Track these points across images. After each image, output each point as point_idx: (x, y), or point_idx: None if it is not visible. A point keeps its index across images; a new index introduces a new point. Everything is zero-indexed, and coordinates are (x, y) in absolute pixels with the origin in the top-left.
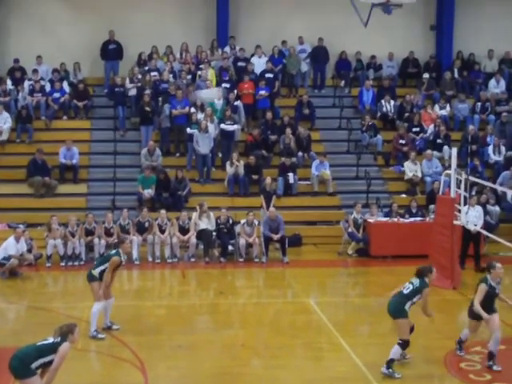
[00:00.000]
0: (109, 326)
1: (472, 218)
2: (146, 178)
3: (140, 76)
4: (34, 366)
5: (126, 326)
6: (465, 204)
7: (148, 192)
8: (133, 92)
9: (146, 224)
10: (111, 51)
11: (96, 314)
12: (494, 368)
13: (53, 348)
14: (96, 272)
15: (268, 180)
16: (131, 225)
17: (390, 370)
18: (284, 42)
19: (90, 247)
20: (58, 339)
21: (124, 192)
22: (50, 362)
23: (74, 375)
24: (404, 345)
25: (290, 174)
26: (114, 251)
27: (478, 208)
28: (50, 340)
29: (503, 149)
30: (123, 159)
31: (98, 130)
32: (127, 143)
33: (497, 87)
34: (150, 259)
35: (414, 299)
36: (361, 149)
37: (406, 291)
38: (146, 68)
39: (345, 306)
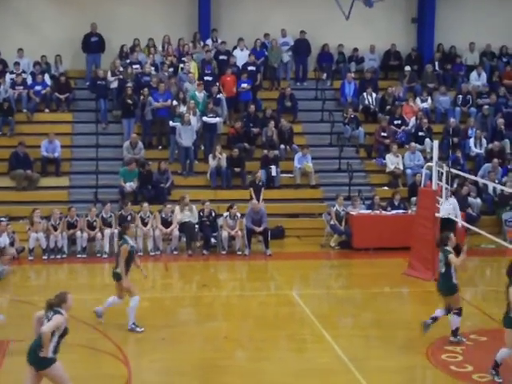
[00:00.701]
0: (98, 313)
1: (446, 210)
2: (129, 171)
3: (122, 69)
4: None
5: (108, 319)
6: (446, 197)
7: (130, 185)
8: (114, 85)
9: (129, 217)
10: (93, 44)
11: (134, 308)
12: (495, 379)
13: None
14: (119, 270)
15: (258, 173)
16: (113, 218)
17: (459, 337)
18: (266, 35)
19: (72, 240)
20: (51, 314)
21: (106, 185)
22: (62, 337)
23: None
24: (459, 313)
25: (273, 167)
26: (120, 241)
27: (453, 200)
28: (46, 322)
29: (484, 141)
30: (105, 152)
31: (80, 123)
32: (109, 136)
33: (478, 80)
34: None
35: (452, 270)
36: (343, 141)
37: (442, 270)
38: (128, 61)
39: (327, 298)
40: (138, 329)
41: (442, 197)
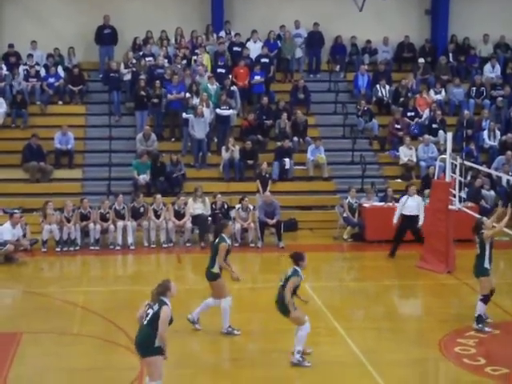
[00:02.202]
0: (194, 320)
1: (410, 207)
2: (141, 163)
3: (135, 61)
4: (157, 342)
5: (121, 311)
6: (460, 189)
7: (143, 177)
8: (128, 77)
9: (141, 209)
10: (106, 36)
11: (227, 309)
12: None
13: (158, 317)
14: (216, 269)
15: (264, 165)
16: (126, 210)
17: (481, 325)
18: (281, 27)
19: (85, 232)
20: (156, 307)
21: (119, 177)
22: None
23: (69, 360)
24: (485, 299)
25: (286, 159)
26: (217, 239)
27: (418, 198)
28: (151, 311)
29: (498, 133)
30: (118, 144)
31: (93, 115)
32: (122, 128)
33: (492, 72)
34: (146, 244)
35: (486, 253)
36: (356, 133)
37: (478, 250)
38: (141, 53)
39: (340, 290)
40: (235, 331)
41: (455, 189)
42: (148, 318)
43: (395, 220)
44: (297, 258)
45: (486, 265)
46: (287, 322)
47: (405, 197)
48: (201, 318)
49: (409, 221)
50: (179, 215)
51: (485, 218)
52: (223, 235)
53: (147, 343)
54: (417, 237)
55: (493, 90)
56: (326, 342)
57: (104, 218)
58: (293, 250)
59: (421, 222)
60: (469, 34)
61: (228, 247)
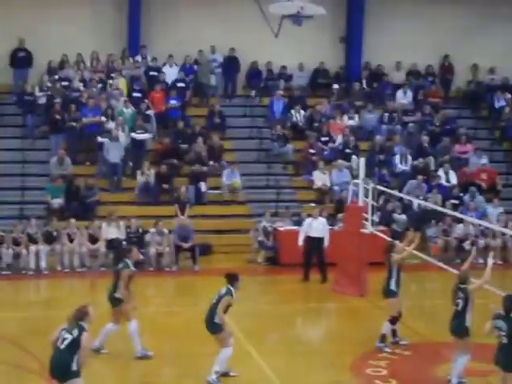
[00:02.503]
0: (98, 347)
1: (316, 229)
2: (55, 187)
3: (50, 84)
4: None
5: (34, 336)
6: (372, 213)
7: (57, 201)
8: (43, 100)
9: (55, 233)
10: (20, 59)
11: (135, 333)
12: None
13: (78, 343)
14: (118, 294)
15: (182, 189)
16: (39, 234)
17: (382, 344)
18: (200, 52)
19: None
20: (76, 332)
21: (32, 201)
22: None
23: None
24: (392, 321)
25: (202, 183)
26: (121, 265)
27: (322, 220)
28: (69, 336)
29: (409, 158)
30: (32, 168)
31: (6, 139)
32: (36, 152)
33: (404, 98)
34: (59, 269)
35: (394, 275)
36: (271, 158)
37: (387, 273)
38: (57, 77)
39: (255, 314)
40: (148, 353)
41: (368, 213)
42: (66, 343)
43: (300, 242)
44: (231, 278)
45: (393, 287)
46: (203, 346)
47: (309, 219)
48: (117, 343)
49: (314, 243)
50: (93, 239)
51: (396, 242)
52: (127, 260)
53: (65, 368)
54: (320, 260)
55: (404, 115)
56: (240, 366)
57: (16, 242)
58: (208, 274)
59: (326, 244)
60: (382, 61)
61: (131, 273)
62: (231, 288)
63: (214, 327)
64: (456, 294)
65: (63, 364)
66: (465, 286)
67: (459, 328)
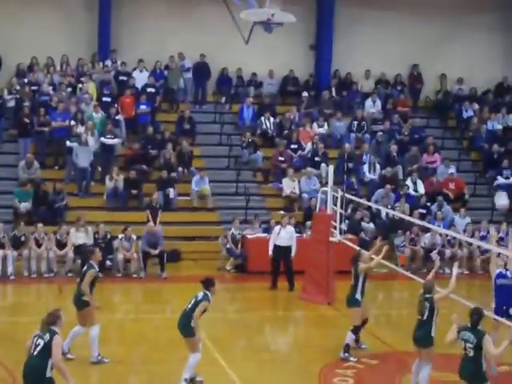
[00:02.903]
0: (64, 351)
1: (283, 237)
2: (23, 191)
3: (19, 87)
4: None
5: (1, 343)
6: (340, 221)
7: (25, 205)
8: (11, 103)
9: (22, 238)
10: None
11: (96, 338)
12: None
13: (50, 348)
14: (85, 297)
15: (155, 195)
16: (6, 238)
17: (347, 354)
18: (171, 57)
19: None
20: (48, 336)
21: (0, 205)
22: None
23: None
24: (355, 330)
25: (170, 189)
26: (86, 267)
27: (290, 228)
28: (41, 342)
29: (378, 167)
30: (0, 171)
31: None
32: (4, 155)
33: (373, 107)
34: (26, 274)
35: (359, 284)
36: (240, 165)
37: (352, 281)
38: (26, 80)
39: (222, 321)
40: (105, 359)
41: (336, 221)
42: (39, 349)
43: (270, 251)
44: (208, 283)
45: (358, 296)
46: (171, 352)
47: (277, 227)
48: (82, 350)
49: (281, 251)
50: (61, 245)
51: (363, 251)
52: (91, 262)
53: (39, 375)
54: (288, 268)
55: (373, 124)
56: (208, 373)
57: None
58: (176, 281)
59: (293, 253)
60: (351, 69)
61: (95, 274)
62: (208, 293)
63: (188, 331)
64: (421, 303)
65: (37, 371)
66: (430, 296)
67: (424, 337)
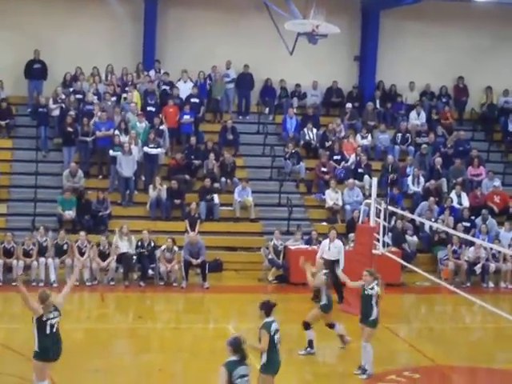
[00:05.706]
0: None
1: (332, 252)
2: (67, 199)
3: (64, 96)
4: None
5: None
6: (384, 234)
7: (69, 213)
8: (56, 112)
9: (65, 246)
10: (36, 71)
11: None
12: None
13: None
14: None
15: (193, 205)
16: (48, 242)
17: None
18: (213, 67)
19: (7, 268)
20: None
21: (44, 213)
22: None
23: None
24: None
25: (215, 195)
26: None
27: (338, 243)
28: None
29: (422, 180)
30: (44, 180)
31: (20, 150)
32: (49, 164)
33: (417, 119)
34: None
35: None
36: (283, 176)
37: None
38: (71, 89)
39: None
40: None
41: (379, 233)
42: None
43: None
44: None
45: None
46: (210, 363)
47: (326, 241)
48: (125, 358)
49: (328, 265)
50: (104, 255)
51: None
52: None
53: None
54: (336, 281)
55: (418, 136)
56: None
57: (27, 254)
58: (218, 291)
59: (341, 267)
60: (396, 81)
61: None
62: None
63: None
64: None
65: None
66: None
67: None
